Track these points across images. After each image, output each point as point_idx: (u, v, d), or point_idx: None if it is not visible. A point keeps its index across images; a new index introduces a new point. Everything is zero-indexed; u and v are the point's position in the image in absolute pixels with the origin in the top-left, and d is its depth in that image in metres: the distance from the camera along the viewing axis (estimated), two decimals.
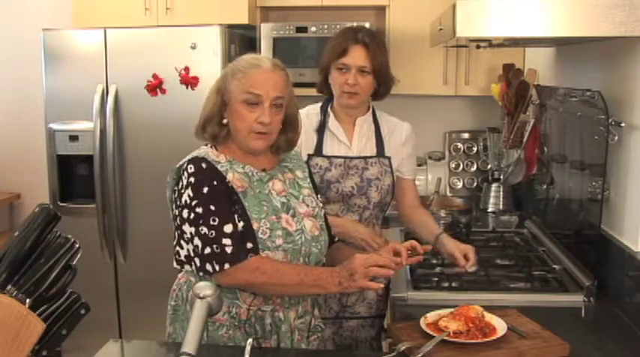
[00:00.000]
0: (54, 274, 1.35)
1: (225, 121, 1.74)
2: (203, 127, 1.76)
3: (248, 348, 1.39)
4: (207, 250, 1.64)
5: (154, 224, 3.19)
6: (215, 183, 1.68)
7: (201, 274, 1.67)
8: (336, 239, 1.96)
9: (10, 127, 4.03)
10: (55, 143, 3.37)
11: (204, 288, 1.37)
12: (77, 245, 1.40)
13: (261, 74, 1.71)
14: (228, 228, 1.64)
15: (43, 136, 3.39)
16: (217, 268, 1.63)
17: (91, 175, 3.33)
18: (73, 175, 3.47)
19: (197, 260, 1.66)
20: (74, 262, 1.40)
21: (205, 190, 1.66)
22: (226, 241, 1.63)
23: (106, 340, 1.73)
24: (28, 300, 1.31)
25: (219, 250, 1.63)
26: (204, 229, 1.64)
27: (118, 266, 3.42)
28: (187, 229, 1.67)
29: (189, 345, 1.26)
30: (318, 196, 1.91)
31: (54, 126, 3.35)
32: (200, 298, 1.35)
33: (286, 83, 1.75)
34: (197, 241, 1.65)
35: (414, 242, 1.80)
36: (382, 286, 1.73)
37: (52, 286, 1.35)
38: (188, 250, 1.69)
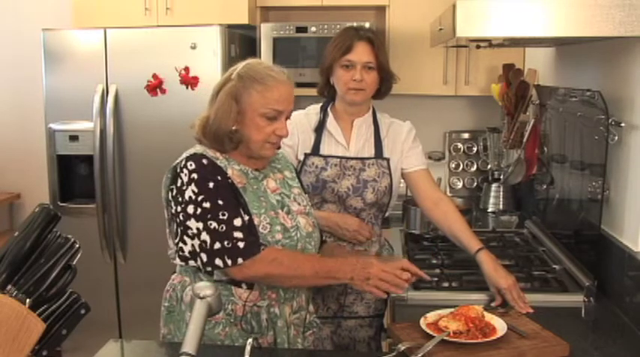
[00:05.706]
0: (54, 274, 1.35)
1: (234, 127, 1.71)
2: (214, 133, 1.71)
3: (248, 348, 1.39)
4: (217, 245, 1.63)
5: (153, 224, 3.14)
6: (219, 178, 1.69)
7: (209, 268, 1.66)
8: (324, 239, 1.97)
9: (10, 127, 4.03)
10: (55, 143, 3.37)
11: (204, 288, 1.37)
12: (77, 245, 1.40)
13: (281, 88, 1.71)
14: (237, 221, 1.65)
15: (43, 136, 3.39)
16: (230, 262, 1.63)
17: (91, 175, 3.33)
18: (73, 175, 3.47)
19: (204, 256, 1.65)
20: (74, 262, 1.40)
21: (211, 185, 1.66)
22: (238, 234, 1.64)
23: (106, 340, 1.72)
24: (28, 300, 1.31)
25: (230, 245, 1.63)
26: (214, 224, 1.64)
27: (118, 266, 3.42)
28: (193, 224, 1.65)
29: (189, 345, 1.26)
30: (310, 195, 1.92)
31: (54, 126, 3.35)
32: (200, 298, 1.35)
33: None
34: (205, 237, 1.64)
35: (418, 271, 1.80)
36: (385, 296, 1.79)
37: (52, 286, 1.35)
38: (193, 246, 1.67)
